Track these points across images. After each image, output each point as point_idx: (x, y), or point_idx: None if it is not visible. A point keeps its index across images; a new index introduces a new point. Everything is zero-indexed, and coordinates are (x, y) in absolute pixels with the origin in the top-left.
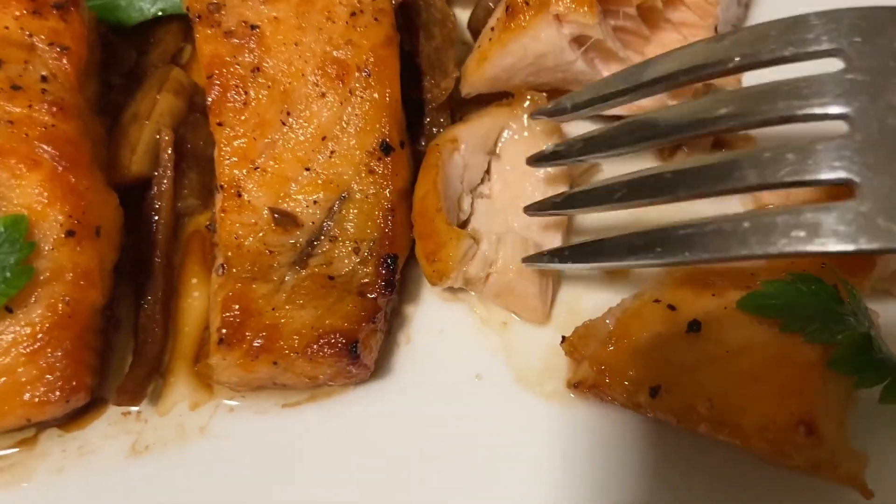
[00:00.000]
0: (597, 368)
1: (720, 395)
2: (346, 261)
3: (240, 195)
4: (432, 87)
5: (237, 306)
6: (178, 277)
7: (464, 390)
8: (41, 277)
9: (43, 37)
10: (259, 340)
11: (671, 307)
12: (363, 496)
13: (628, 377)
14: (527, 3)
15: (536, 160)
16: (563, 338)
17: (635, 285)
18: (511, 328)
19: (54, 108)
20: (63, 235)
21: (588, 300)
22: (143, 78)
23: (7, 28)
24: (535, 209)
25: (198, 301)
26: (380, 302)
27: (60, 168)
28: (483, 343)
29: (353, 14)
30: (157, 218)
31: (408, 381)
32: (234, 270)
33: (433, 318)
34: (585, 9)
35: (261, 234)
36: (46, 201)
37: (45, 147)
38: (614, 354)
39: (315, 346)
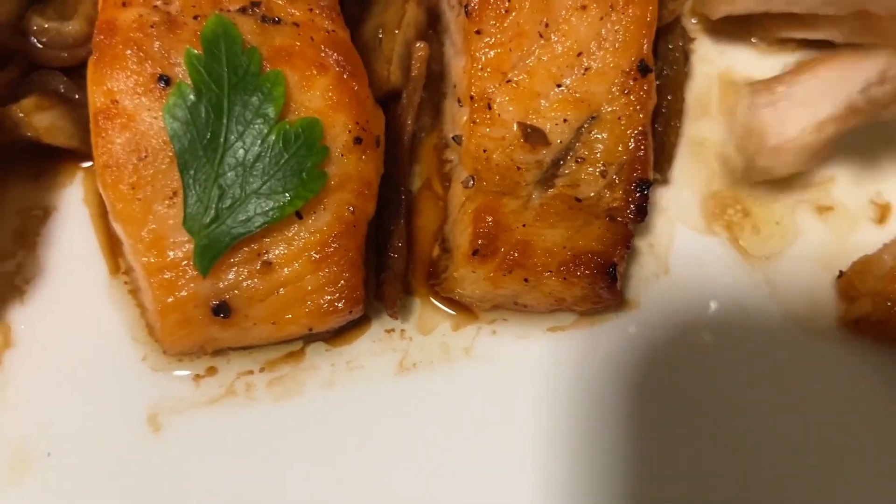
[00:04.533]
0: (882, 305)
1: None
2: (593, 183)
3: (490, 108)
4: (660, 5)
5: (490, 219)
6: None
7: (730, 325)
8: (331, 183)
9: None
10: (513, 254)
11: None
12: (626, 421)
13: None
14: None
15: None
16: (841, 272)
17: None
18: (773, 263)
19: (333, 14)
20: (352, 142)
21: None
22: None
23: None
24: None
25: (426, 220)
26: (630, 227)
27: (346, 74)
28: (745, 278)
29: None
30: (403, 132)
31: (669, 312)
32: (484, 184)
33: (691, 251)
34: None
35: (509, 149)
36: (335, 106)
37: (330, 52)
38: None
39: (570, 266)
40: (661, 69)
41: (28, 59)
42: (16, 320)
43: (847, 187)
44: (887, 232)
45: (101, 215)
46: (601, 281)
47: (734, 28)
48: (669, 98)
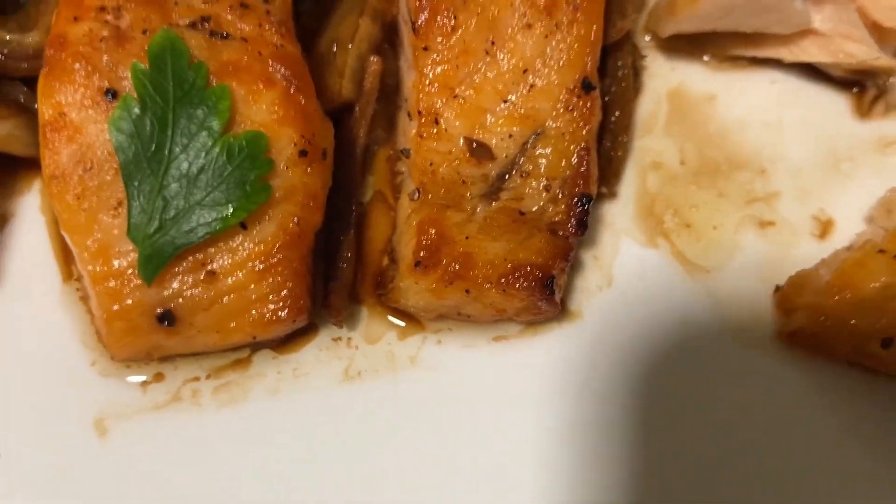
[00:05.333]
0: (816, 318)
1: None
2: (536, 197)
3: (437, 122)
4: (608, 25)
5: (433, 231)
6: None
7: (670, 335)
8: (276, 195)
9: None
10: (454, 266)
11: None
12: (566, 429)
13: (854, 328)
14: None
15: None
16: (777, 287)
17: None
18: (714, 276)
19: (283, 29)
20: (297, 155)
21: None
22: (331, 4)
23: None
24: None
25: (377, 231)
26: (571, 241)
27: (292, 89)
28: (686, 290)
29: None
30: (355, 145)
31: (610, 323)
32: (429, 196)
33: (635, 264)
34: None
35: (455, 163)
36: (281, 120)
37: (277, 66)
38: (837, 305)
39: (510, 278)
40: (610, 86)
41: None
42: None
43: (790, 203)
44: (827, 247)
45: (56, 223)
46: (540, 293)
47: (686, 45)
48: (618, 114)
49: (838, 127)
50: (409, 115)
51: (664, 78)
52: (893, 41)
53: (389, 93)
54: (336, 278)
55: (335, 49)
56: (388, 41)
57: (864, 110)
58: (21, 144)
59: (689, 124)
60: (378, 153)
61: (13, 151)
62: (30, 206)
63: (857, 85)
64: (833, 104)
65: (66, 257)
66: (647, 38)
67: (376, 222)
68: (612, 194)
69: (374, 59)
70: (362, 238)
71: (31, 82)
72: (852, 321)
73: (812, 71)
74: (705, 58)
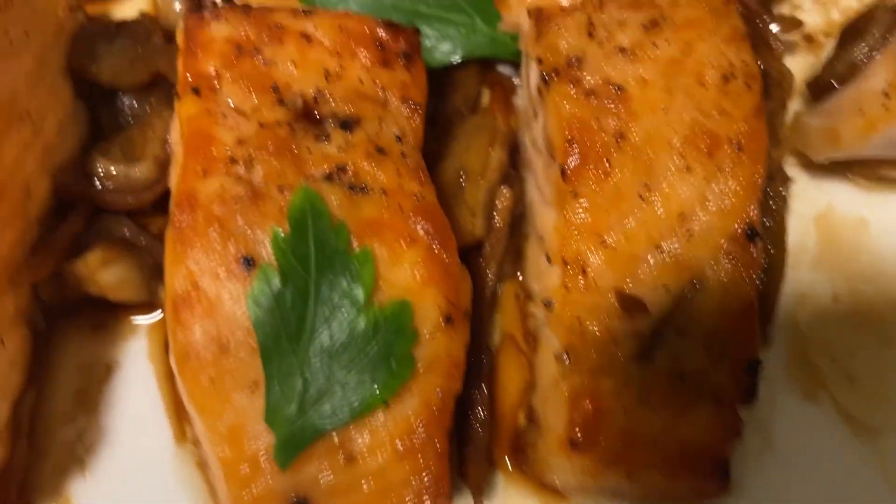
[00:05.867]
0: None
1: None
2: (696, 359)
3: (584, 272)
4: None
5: (588, 404)
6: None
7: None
8: (419, 367)
9: (395, 90)
10: (614, 446)
11: None
12: None
13: None
14: None
15: None
16: None
17: None
18: (884, 437)
19: (420, 175)
20: (442, 322)
21: None
22: (450, 126)
23: (361, 81)
24: None
25: (508, 379)
26: (739, 412)
27: (435, 246)
28: (854, 452)
29: (724, 78)
30: (484, 286)
31: (772, 494)
32: (579, 360)
33: (792, 420)
34: None
35: (605, 319)
36: (424, 282)
37: (419, 221)
38: None
39: (677, 462)
40: (763, 221)
41: (92, 205)
42: (77, 493)
43: None
44: None
45: (168, 375)
46: (711, 479)
47: (831, 165)
48: (770, 251)
49: None
50: (548, 257)
51: (811, 201)
52: None
53: (516, 221)
54: (471, 442)
55: (463, 181)
56: (510, 162)
57: None
58: (130, 290)
59: (840, 255)
60: (505, 290)
61: (123, 299)
62: (137, 354)
63: None
64: None
65: (179, 415)
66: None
67: (506, 369)
68: (765, 340)
69: (506, 192)
70: (493, 390)
71: (135, 215)
72: None
73: None
74: (850, 176)
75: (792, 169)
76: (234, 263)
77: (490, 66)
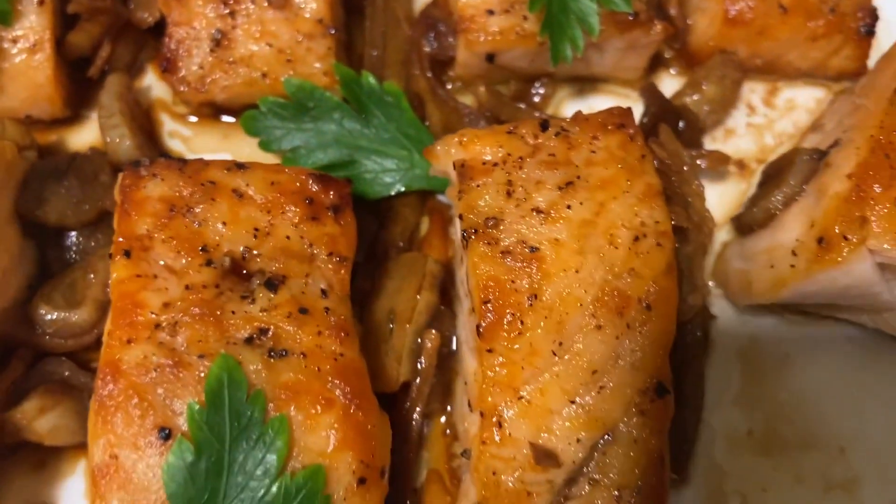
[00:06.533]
0: None
1: None
2: None
3: (500, 426)
4: (680, 304)
5: None
6: None
7: None
8: None
9: (323, 245)
10: None
11: None
12: None
13: None
14: (844, 238)
15: None
16: None
17: None
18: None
19: (342, 334)
20: (355, 484)
21: None
22: (386, 259)
23: (289, 238)
24: None
25: None
26: None
27: (353, 407)
28: None
29: (635, 238)
30: (410, 428)
31: None
32: None
33: None
34: None
35: (519, 472)
36: (340, 446)
37: (337, 383)
38: None
39: None
40: (679, 361)
41: (33, 349)
42: None
43: (872, 489)
44: None
45: None
46: None
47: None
48: (687, 390)
49: None
50: (469, 405)
51: (735, 336)
52: None
53: (444, 358)
54: None
55: (392, 325)
56: (442, 295)
57: None
58: (67, 434)
59: (761, 390)
60: (433, 426)
61: (58, 443)
62: (75, 492)
63: None
64: None
65: None
66: (711, 283)
67: None
68: (683, 479)
69: (432, 334)
70: None
71: (75, 354)
72: None
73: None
74: (775, 309)
75: (719, 301)
76: (152, 435)
77: (429, 196)
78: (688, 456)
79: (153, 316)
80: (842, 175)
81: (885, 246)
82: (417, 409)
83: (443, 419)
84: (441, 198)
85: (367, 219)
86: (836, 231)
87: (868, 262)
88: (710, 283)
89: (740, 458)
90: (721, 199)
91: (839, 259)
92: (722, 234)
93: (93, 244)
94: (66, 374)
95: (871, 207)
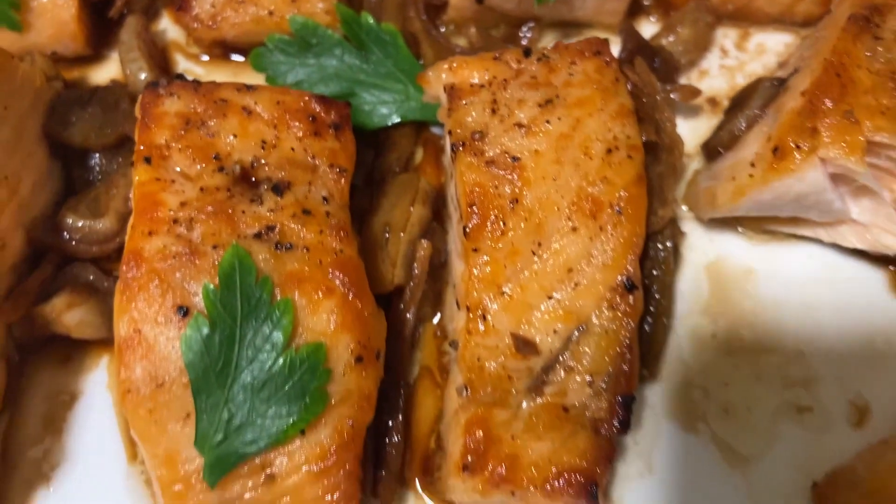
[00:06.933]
0: None
1: None
2: (580, 393)
3: (485, 318)
4: (649, 214)
5: (480, 432)
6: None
7: None
8: (332, 401)
9: (324, 157)
10: (500, 469)
11: None
12: None
13: None
14: (797, 147)
15: None
16: (815, 483)
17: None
18: (752, 465)
19: (341, 233)
20: (353, 361)
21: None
22: (383, 182)
23: (293, 149)
24: None
25: (425, 410)
26: (614, 441)
27: (350, 295)
28: (725, 479)
29: (608, 151)
30: (404, 327)
31: None
32: (477, 394)
33: (674, 449)
34: (857, 156)
35: (501, 359)
36: (339, 328)
37: (337, 274)
38: None
39: (554, 483)
40: (651, 269)
41: (62, 254)
42: None
43: (829, 387)
44: (864, 435)
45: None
46: (584, 498)
47: (723, 219)
48: (658, 297)
49: (877, 305)
50: (457, 303)
51: (703, 251)
52: None
53: (437, 269)
54: (385, 465)
55: (388, 235)
56: (436, 214)
57: None
58: (91, 329)
59: (727, 301)
60: (425, 329)
61: (84, 337)
62: (97, 384)
63: (894, 263)
64: (871, 281)
65: (131, 438)
66: (685, 208)
67: (423, 401)
68: (653, 376)
69: (424, 244)
70: (409, 418)
71: (99, 261)
72: None
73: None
74: (740, 230)
75: (688, 224)
76: (171, 312)
77: (424, 127)
78: (658, 356)
79: (171, 213)
80: (797, 93)
81: (833, 154)
82: (411, 309)
83: (435, 320)
84: (434, 129)
85: (366, 148)
86: (790, 141)
87: (819, 170)
88: (684, 208)
89: (704, 357)
90: (694, 133)
91: (792, 167)
92: (694, 164)
93: (114, 166)
94: (91, 277)
95: (822, 120)
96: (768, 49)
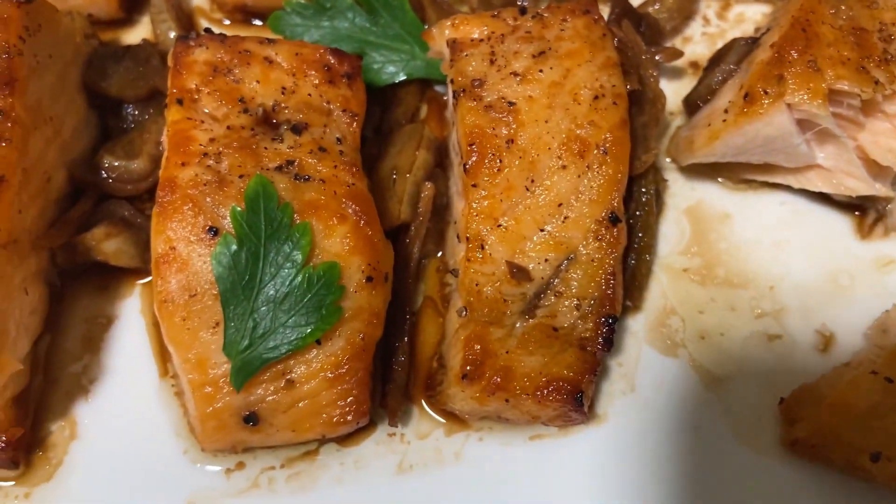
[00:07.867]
0: (815, 431)
1: None
2: (568, 315)
3: (483, 248)
4: (633, 158)
5: (478, 346)
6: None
7: (685, 440)
8: (346, 315)
9: (338, 103)
10: (496, 379)
11: (889, 380)
12: None
13: (847, 443)
14: (765, 92)
15: None
16: (782, 399)
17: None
18: (725, 385)
19: (353, 169)
20: (364, 281)
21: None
22: (391, 133)
23: (310, 95)
24: None
25: (427, 335)
26: (598, 357)
27: (361, 222)
28: (700, 398)
29: (595, 97)
30: (410, 259)
31: (632, 426)
32: (475, 314)
33: (655, 371)
34: (819, 101)
35: (497, 284)
36: (351, 251)
37: (349, 203)
38: (833, 420)
39: (544, 391)
40: (635, 210)
41: (99, 191)
42: (81, 415)
43: (796, 317)
44: (829, 360)
45: (154, 325)
46: (570, 405)
47: (703, 169)
48: (641, 235)
49: (841, 246)
50: (458, 237)
51: (684, 197)
52: (889, 175)
53: (440, 210)
54: (392, 381)
55: (395, 176)
56: (439, 164)
57: (864, 232)
58: (127, 258)
59: (705, 242)
60: (429, 264)
61: (120, 264)
62: (132, 309)
63: (859, 209)
64: (837, 225)
65: (163, 356)
66: (668, 160)
67: (426, 327)
68: (637, 307)
69: (428, 185)
70: (414, 341)
71: (134, 200)
72: (846, 437)
73: (818, 194)
74: (720, 179)
75: (671, 174)
76: (202, 232)
77: (429, 86)
78: (641, 289)
79: (201, 147)
80: (767, 47)
81: (797, 99)
82: (416, 244)
83: (438, 255)
84: (438, 88)
85: (375, 104)
86: (759, 88)
87: (786, 115)
88: (668, 160)
89: (683, 290)
90: (677, 94)
91: (761, 111)
92: (677, 121)
93: (146, 115)
94: (126, 213)
95: (788, 69)
96: (747, 18)
